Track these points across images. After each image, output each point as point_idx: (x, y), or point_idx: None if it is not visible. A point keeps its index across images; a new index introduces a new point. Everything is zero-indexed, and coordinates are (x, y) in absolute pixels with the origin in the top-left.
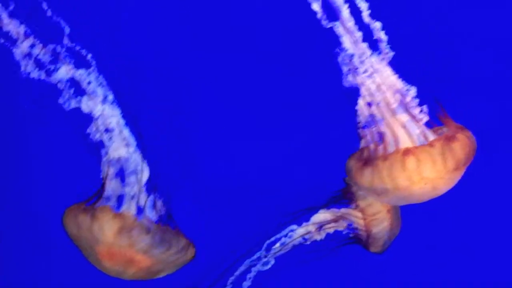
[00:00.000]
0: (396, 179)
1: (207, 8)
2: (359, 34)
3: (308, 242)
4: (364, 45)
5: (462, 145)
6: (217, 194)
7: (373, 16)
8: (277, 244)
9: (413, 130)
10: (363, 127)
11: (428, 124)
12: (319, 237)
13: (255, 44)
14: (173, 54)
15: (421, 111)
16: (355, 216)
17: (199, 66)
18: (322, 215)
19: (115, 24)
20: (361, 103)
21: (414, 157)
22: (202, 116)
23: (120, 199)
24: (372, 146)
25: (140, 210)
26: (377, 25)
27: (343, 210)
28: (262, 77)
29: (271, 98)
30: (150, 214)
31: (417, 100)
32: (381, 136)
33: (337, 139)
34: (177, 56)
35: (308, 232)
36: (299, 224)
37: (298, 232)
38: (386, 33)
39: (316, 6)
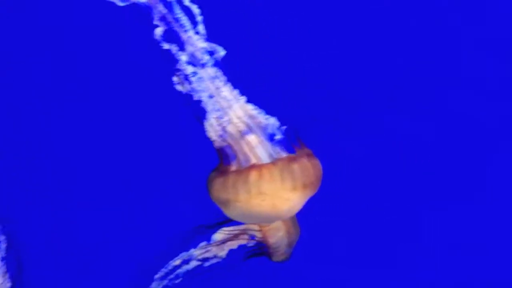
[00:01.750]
0: (237, 191)
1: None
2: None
3: (212, 261)
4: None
5: (302, 168)
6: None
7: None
8: (178, 261)
9: (261, 150)
10: (217, 144)
11: (281, 146)
12: (222, 253)
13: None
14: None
15: (272, 133)
16: (253, 229)
17: None
18: (222, 233)
19: None
20: (210, 122)
21: (256, 172)
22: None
23: None
24: (224, 161)
25: None
26: (219, 49)
27: (242, 225)
28: None
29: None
30: None
31: (270, 122)
32: (232, 153)
33: None
34: None
35: (210, 250)
36: (196, 245)
37: (197, 252)
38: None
39: (158, 30)
